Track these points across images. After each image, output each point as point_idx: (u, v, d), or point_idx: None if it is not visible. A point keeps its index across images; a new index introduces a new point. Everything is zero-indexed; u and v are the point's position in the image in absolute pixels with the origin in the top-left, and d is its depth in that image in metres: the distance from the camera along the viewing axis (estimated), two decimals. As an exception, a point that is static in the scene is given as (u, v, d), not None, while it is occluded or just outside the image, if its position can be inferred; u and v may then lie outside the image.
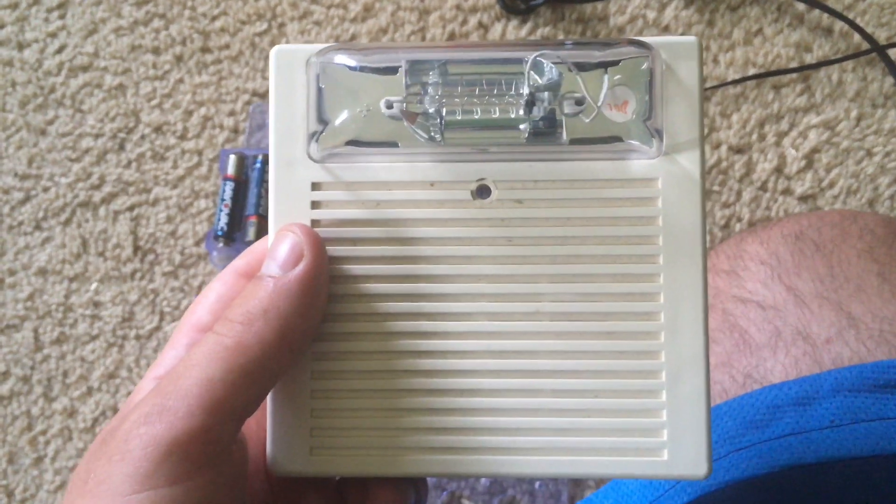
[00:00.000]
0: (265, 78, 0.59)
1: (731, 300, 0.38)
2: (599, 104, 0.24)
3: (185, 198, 0.57)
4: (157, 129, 0.59)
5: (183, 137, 0.58)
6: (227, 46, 0.59)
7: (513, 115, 0.24)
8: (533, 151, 0.25)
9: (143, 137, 0.58)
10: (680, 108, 0.25)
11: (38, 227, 0.58)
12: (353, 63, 0.25)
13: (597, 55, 0.24)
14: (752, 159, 0.57)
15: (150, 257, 0.57)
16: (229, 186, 0.55)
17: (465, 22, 0.59)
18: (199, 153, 0.58)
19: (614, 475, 0.25)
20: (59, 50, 0.60)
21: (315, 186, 0.26)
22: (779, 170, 0.57)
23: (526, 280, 0.25)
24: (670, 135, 0.25)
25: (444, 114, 0.24)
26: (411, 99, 0.25)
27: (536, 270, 0.25)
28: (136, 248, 0.57)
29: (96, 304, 0.57)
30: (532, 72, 0.24)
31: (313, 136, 0.25)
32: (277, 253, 0.24)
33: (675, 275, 0.25)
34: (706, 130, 0.57)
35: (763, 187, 0.56)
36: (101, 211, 0.58)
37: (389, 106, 0.25)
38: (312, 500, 0.26)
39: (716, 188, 0.56)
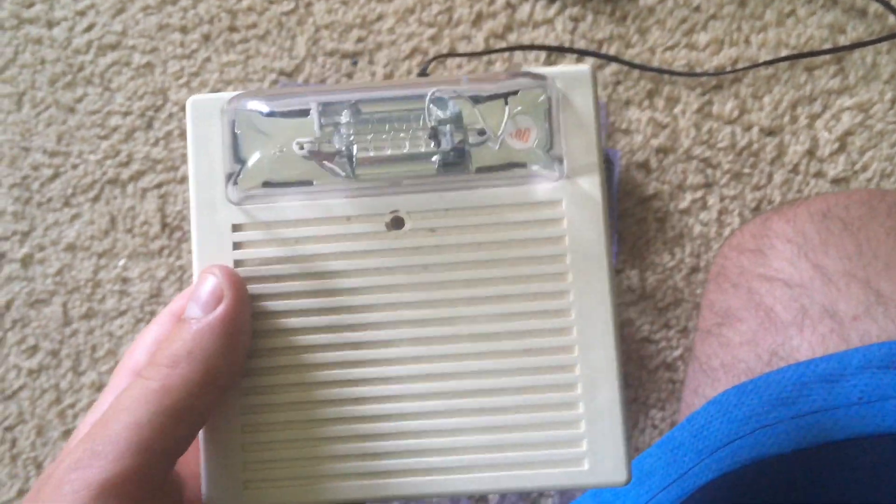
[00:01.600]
0: (292, 57, 0.59)
1: (757, 278, 0.37)
2: (500, 133, 0.26)
3: (213, 176, 0.58)
4: (185, 108, 0.59)
5: (210, 116, 0.58)
6: (254, 25, 0.59)
7: (422, 149, 0.26)
8: (443, 182, 0.26)
9: (170, 116, 0.59)
10: (578, 134, 0.26)
11: (66, 204, 0.58)
12: (265, 108, 0.26)
13: (492, 87, 0.26)
14: (783, 142, 0.56)
15: (178, 234, 0.58)
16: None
17: (492, 2, 0.59)
18: (227, 131, 0.58)
19: (538, 488, 0.26)
20: (88, 28, 0.60)
21: (236, 228, 0.27)
22: (811, 152, 0.56)
23: (443, 305, 0.26)
24: (571, 159, 0.26)
25: (354, 151, 0.25)
26: (323, 139, 0.26)
27: (453, 295, 0.26)
28: (164, 225, 0.58)
29: (124, 280, 0.57)
30: (433, 106, 0.25)
31: (230, 179, 0.26)
32: (199, 295, 0.24)
33: (584, 290, 0.26)
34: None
35: (795, 170, 0.56)
36: (130, 188, 0.58)
37: (301, 147, 0.26)
38: None
39: (746, 170, 0.56)
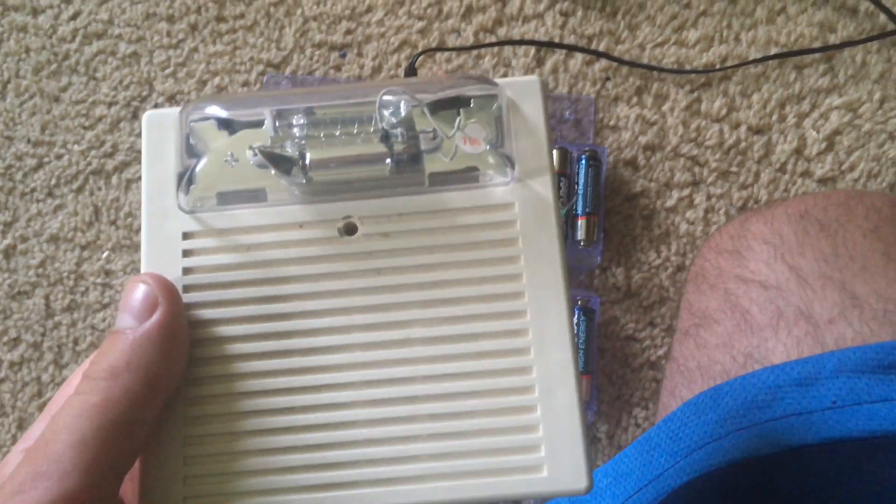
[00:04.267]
0: (280, 49, 0.58)
1: (734, 280, 0.37)
2: (451, 136, 0.26)
3: (198, 168, 0.57)
4: (171, 98, 0.58)
5: (196, 107, 0.58)
6: (241, 16, 0.59)
7: (374, 150, 0.26)
8: (396, 186, 0.26)
9: (156, 106, 0.58)
10: (528, 139, 0.27)
11: (50, 195, 0.58)
12: (220, 115, 0.26)
13: (442, 91, 0.26)
14: (771, 140, 0.56)
15: (162, 227, 0.57)
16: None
17: (482, -5, 0.58)
18: (213, 123, 0.58)
19: (496, 496, 0.25)
20: (74, 17, 0.59)
21: (186, 236, 0.26)
22: (799, 151, 0.56)
23: (396, 308, 0.26)
24: (522, 163, 0.26)
25: (307, 155, 0.25)
26: (276, 143, 0.26)
27: (406, 298, 0.26)
28: (148, 217, 0.57)
29: (108, 273, 0.57)
30: (383, 109, 0.25)
31: (182, 187, 0.26)
32: (131, 304, 0.24)
33: (539, 292, 0.26)
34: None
35: (782, 169, 0.56)
36: (114, 179, 0.58)
37: (255, 153, 0.26)
38: None
39: (734, 169, 0.56)
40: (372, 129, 0.26)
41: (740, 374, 0.33)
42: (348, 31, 0.59)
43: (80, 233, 0.57)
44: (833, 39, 0.57)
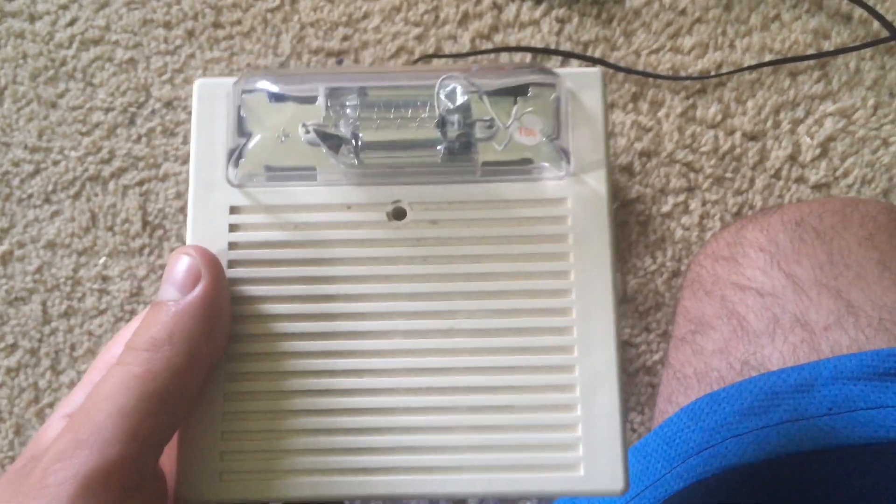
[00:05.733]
0: (277, 55, 0.59)
1: (730, 287, 0.37)
2: (509, 125, 0.25)
3: (195, 174, 0.57)
4: (168, 105, 0.58)
5: (193, 113, 0.58)
6: (238, 22, 0.59)
7: (428, 136, 0.25)
8: (447, 173, 0.26)
9: (153, 112, 0.58)
10: (585, 132, 0.26)
11: (47, 201, 0.58)
12: (272, 89, 0.26)
13: (501, 81, 0.26)
14: (766, 146, 0.56)
15: (159, 233, 0.57)
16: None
17: (479, 2, 0.59)
18: (210, 129, 0.58)
19: (531, 492, 0.25)
20: (71, 23, 0.60)
21: (233, 210, 0.26)
22: (793, 158, 0.56)
23: (441, 298, 0.25)
24: (577, 157, 0.26)
25: (360, 136, 0.25)
26: (328, 122, 0.25)
27: (451, 288, 0.25)
28: (145, 224, 0.57)
29: (104, 279, 0.57)
30: (442, 95, 0.25)
31: (232, 161, 0.26)
32: (174, 276, 0.24)
33: (586, 290, 0.25)
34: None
35: (776, 175, 0.56)
36: (111, 185, 0.58)
37: (307, 131, 0.25)
38: None
39: (728, 175, 0.56)
40: (426, 115, 0.25)
41: (737, 381, 0.33)
42: (345, 38, 0.59)
43: (76, 239, 0.57)
44: (827, 46, 0.57)
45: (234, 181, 0.26)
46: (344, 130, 0.25)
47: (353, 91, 0.26)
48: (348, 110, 0.25)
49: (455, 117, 0.25)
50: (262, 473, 0.25)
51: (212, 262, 0.24)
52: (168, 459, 0.25)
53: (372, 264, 0.26)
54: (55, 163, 0.58)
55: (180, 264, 0.24)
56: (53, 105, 0.59)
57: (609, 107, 0.57)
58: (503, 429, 0.25)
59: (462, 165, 0.26)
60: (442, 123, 0.25)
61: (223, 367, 0.25)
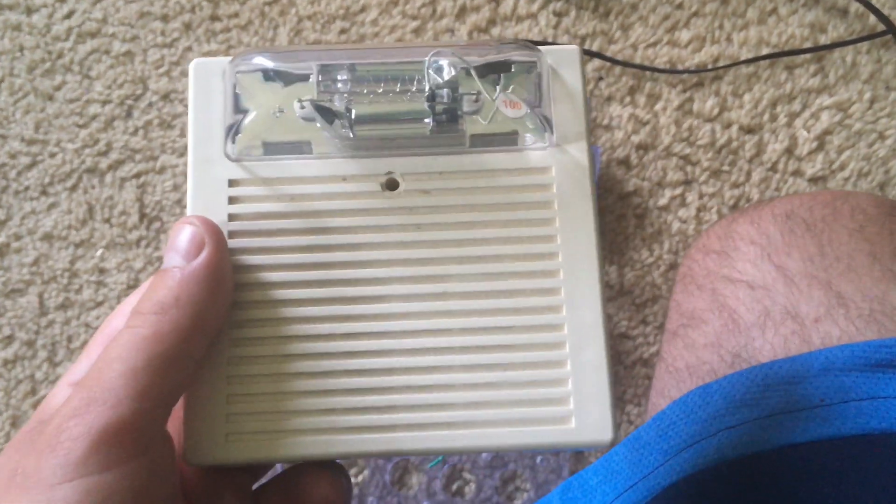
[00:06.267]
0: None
1: (721, 280, 0.37)
2: (495, 98, 0.26)
3: (192, 166, 0.57)
4: (165, 97, 0.58)
5: (190, 106, 0.58)
6: (236, 15, 0.59)
7: (417, 108, 0.26)
8: (437, 145, 0.27)
9: (150, 105, 0.58)
10: (567, 105, 0.28)
11: (44, 193, 0.58)
12: (267, 65, 0.27)
13: (487, 55, 0.27)
14: (762, 140, 0.56)
15: (156, 225, 0.57)
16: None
17: (476, -5, 0.59)
18: (207, 122, 0.58)
19: (526, 445, 0.26)
20: (68, 15, 0.59)
21: (232, 183, 0.27)
22: (790, 151, 0.56)
23: (434, 263, 0.27)
24: (560, 128, 0.27)
25: (353, 110, 0.26)
26: (323, 98, 0.26)
27: (444, 254, 0.27)
28: (142, 216, 0.57)
29: (101, 271, 0.57)
30: (431, 70, 0.26)
31: (229, 136, 0.27)
32: (178, 244, 0.24)
33: (572, 252, 0.27)
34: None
35: (773, 168, 0.56)
36: (108, 178, 0.58)
37: (302, 106, 0.26)
38: (228, 502, 0.26)
39: (725, 168, 0.56)
40: (415, 89, 0.26)
41: (728, 374, 0.33)
42: (342, 31, 0.59)
43: (73, 231, 0.57)
44: (824, 40, 0.57)
45: (232, 156, 0.27)
46: (338, 105, 0.26)
47: (343, 67, 0.27)
48: (339, 85, 0.26)
49: (444, 91, 0.26)
50: (267, 434, 0.26)
51: (214, 230, 0.25)
52: (174, 423, 0.25)
53: (367, 233, 0.27)
54: (52, 155, 0.58)
55: (184, 233, 0.24)
56: (50, 97, 0.59)
57: (606, 100, 0.57)
58: (497, 386, 0.26)
59: (451, 137, 0.27)
60: (431, 97, 0.26)
61: (226, 333, 0.26)
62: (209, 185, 0.27)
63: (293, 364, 0.26)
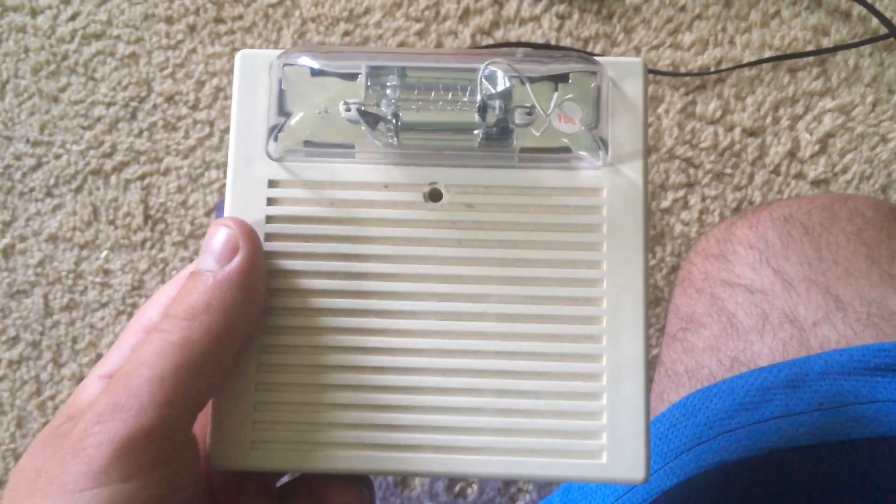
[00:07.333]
0: (278, 49, 0.59)
1: (720, 284, 0.38)
2: (549, 113, 0.25)
3: (196, 168, 0.58)
4: (169, 99, 0.59)
5: (195, 108, 0.58)
6: (240, 17, 0.59)
7: (467, 120, 0.25)
8: (484, 157, 0.26)
9: (154, 107, 0.59)
10: (625, 122, 0.26)
11: (49, 194, 0.58)
12: (314, 65, 0.26)
13: (546, 68, 0.25)
14: (765, 142, 0.56)
15: (161, 226, 0.58)
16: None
17: (479, -3, 0.59)
18: (211, 123, 0.58)
19: (554, 477, 0.25)
20: (73, 17, 0.60)
21: (272, 183, 0.26)
22: (792, 154, 0.56)
23: (473, 281, 0.26)
24: (615, 147, 0.26)
25: (400, 116, 0.25)
26: (369, 101, 0.25)
27: (484, 272, 0.26)
28: (147, 217, 0.58)
29: (106, 272, 0.57)
30: (485, 80, 0.25)
31: (272, 135, 0.26)
32: (213, 247, 0.24)
33: (618, 281, 0.25)
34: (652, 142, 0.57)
35: (776, 171, 0.56)
36: (113, 179, 0.58)
37: (348, 108, 0.25)
38: (253, 500, 0.26)
39: (728, 171, 0.56)
40: (466, 98, 0.25)
41: (727, 378, 0.33)
42: (346, 33, 0.59)
43: (78, 232, 0.58)
44: (826, 43, 0.57)
45: (274, 155, 0.26)
46: (385, 110, 0.25)
47: (393, 71, 0.26)
48: (388, 90, 0.26)
49: (496, 102, 0.25)
50: (292, 444, 0.25)
51: (250, 234, 0.24)
52: (201, 426, 0.25)
53: (406, 244, 0.26)
54: (57, 157, 0.58)
55: (219, 235, 0.24)
56: (55, 99, 0.59)
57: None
58: (529, 413, 0.25)
59: (500, 151, 0.26)
60: (483, 108, 0.25)
61: (257, 339, 0.26)
62: (249, 185, 0.26)
63: (323, 375, 0.25)
